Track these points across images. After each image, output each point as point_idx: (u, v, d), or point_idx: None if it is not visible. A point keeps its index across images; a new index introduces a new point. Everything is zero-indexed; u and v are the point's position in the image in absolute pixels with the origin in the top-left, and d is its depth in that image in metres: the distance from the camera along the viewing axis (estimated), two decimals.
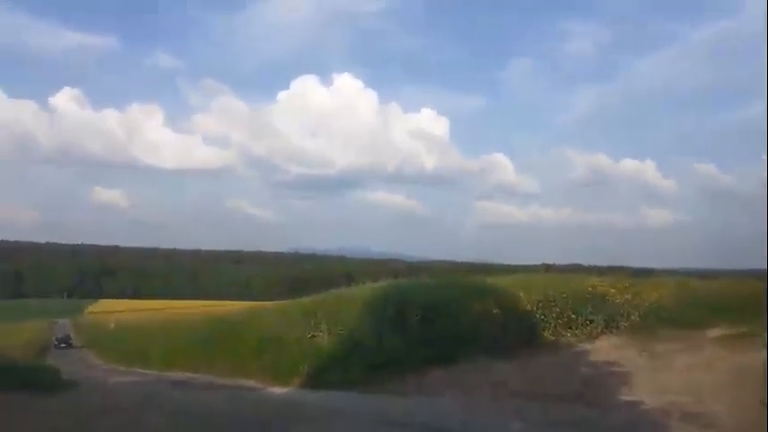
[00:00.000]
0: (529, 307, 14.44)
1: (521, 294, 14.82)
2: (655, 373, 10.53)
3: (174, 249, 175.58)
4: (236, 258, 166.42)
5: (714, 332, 12.03)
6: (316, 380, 14.54)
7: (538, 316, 14.24)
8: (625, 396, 9.65)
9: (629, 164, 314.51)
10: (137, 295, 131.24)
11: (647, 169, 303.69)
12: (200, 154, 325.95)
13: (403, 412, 9.82)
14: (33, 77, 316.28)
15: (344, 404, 11.41)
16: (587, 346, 13.21)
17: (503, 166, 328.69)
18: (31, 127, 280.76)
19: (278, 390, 14.85)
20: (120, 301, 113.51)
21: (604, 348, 12.83)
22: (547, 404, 9.62)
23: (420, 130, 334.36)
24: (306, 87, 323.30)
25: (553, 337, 13.91)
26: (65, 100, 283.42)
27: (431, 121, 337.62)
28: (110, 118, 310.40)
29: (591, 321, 13.95)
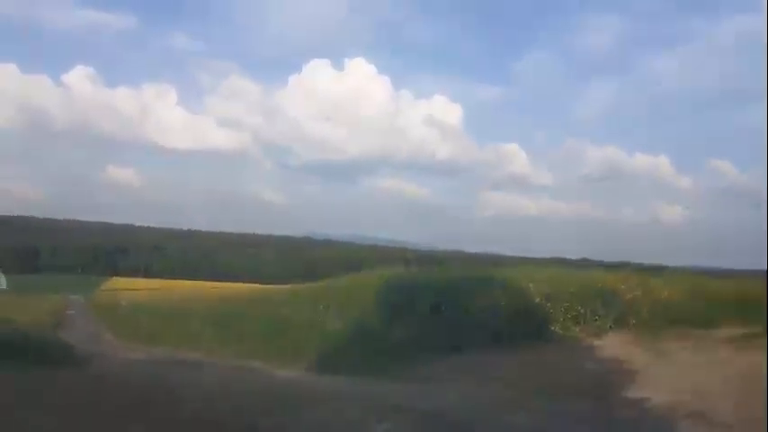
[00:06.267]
0: (537, 300, 14.41)
1: (530, 287, 14.79)
2: (662, 371, 10.49)
3: (188, 230, 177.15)
4: (249, 241, 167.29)
5: (724, 331, 11.95)
6: (323, 364, 14.67)
7: (546, 310, 14.21)
8: (631, 393, 9.63)
9: (643, 159, 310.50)
10: (150, 274, 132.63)
11: (662, 165, 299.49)
12: (214, 136, 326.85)
13: (407, 399, 9.87)
14: (47, 53, 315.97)
15: (349, 389, 11.49)
16: (595, 342, 13.18)
17: (516, 156, 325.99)
18: (45, 103, 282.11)
19: (285, 373, 15.00)
20: (133, 279, 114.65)
21: (612, 345, 12.79)
22: (551, 398, 9.63)
23: (433, 118, 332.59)
24: (319, 72, 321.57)
25: (561, 332, 13.87)
26: (78, 78, 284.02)
27: (444, 110, 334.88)
28: (123, 97, 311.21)
29: (600, 317, 13.90)
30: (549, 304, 14.26)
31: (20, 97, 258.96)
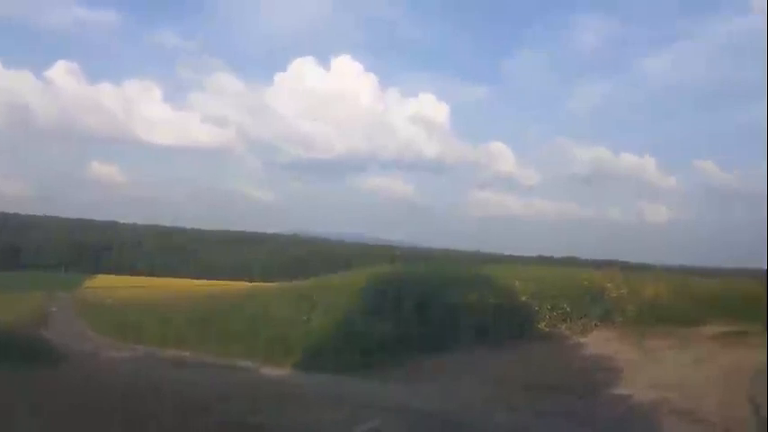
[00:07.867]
0: (524, 298, 14.47)
1: (516, 285, 14.84)
2: (647, 368, 10.56)
3: (174, 227, 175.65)
4: (235, 238, 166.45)
5: (709, 329, 12.07)
6: (309, 363, 14.58)
7: (532, 307, 14.27)
8: (616, 389, 9.68)
9: (629, 159, 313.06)
10: (135, 272, 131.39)
11: (647, 165, 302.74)
12: (199, 132, 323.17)
13: (394, 398, 9.85)
14: (30, 49, 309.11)
15: (335, 388, 11.44)
16: (581, 339, 13.25)
17: (503, 155, 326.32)
18: (27, 99, 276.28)
19: (271, 371, 14.91)
20: (118, 276, 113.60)
21: (598, 342, 12.87)
22: (537, 395, 9.65)
23: (420, 116, 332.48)
24: (305, 69, 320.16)
25: (547, 329, 13.94)
26: (61, 73, 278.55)
27: (431, 108, 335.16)
28: (108, 93, 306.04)
29: (586, 314, 13.98)
30: (535, 302, 14.33)
31: (2, 93, 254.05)
